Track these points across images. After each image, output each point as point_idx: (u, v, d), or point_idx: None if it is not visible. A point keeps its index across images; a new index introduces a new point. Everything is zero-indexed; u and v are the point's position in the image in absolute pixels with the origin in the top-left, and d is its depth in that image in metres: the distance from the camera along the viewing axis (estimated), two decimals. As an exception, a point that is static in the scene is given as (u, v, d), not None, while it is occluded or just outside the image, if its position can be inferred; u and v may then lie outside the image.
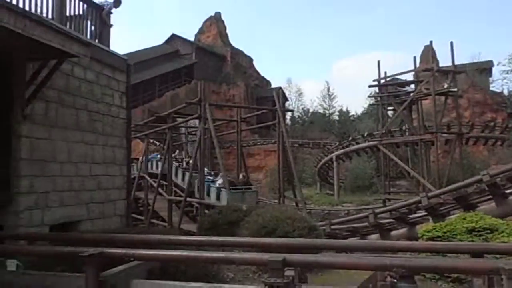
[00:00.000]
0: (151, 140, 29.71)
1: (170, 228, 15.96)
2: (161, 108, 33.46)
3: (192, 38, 56.20)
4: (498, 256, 5.02)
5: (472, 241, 7.76)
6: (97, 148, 8.36)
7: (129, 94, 9.53)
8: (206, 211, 15.66)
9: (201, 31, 58.30)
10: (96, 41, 8.76)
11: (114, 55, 9.11)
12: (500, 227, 8.12)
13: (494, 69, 46.02)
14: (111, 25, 9.29)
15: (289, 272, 4.10)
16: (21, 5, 6.76)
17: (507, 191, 10.45)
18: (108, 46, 9.08)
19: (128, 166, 9.43)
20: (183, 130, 30.50)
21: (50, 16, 7.55)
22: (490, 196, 10.53)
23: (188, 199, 17.82)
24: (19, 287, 4.59)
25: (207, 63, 52.45)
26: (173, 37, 53.74)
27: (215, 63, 54.71)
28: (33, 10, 7.05)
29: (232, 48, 57.96)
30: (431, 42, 29.41)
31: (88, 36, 8.60)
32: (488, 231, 8.07)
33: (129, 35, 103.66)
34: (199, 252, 4.79)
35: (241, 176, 17.02)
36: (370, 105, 44.71)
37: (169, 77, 47.43)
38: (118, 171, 9.04)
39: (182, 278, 5.75)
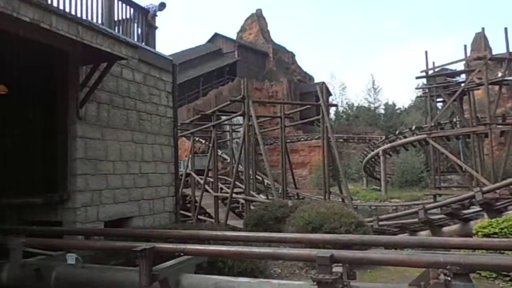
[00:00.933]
0: (197, 138, 30.35)
1: (217, 224, 16.24)
2: (206, 107, 34.02)
3: (234, 37, 56.72)
4: (561, 253, 4.72)
5: (533, 238, 7.34)
6: (146, 146, 8.65)
7: (175, 94, 9.79)
8: (252, 207, 15.78)
9: (242, 29, 58.68)
10: (143, 43, 9.06)
11: (160, 56, 9.38)
12: None
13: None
14: (156, 27, 9.58)
15: (337, 269, 4.06)
16: (73, 11, 7.12)
17: None
18: (154, 47, 9.36)
19: (176, 164, 9.69)
20: (227, 127, 30.91)
21: (99, 21, 7.90)
22: (551, 190, 9.92)
23: (234, 195, 18.05)
24: (79, 280, 4.84)
25: (249, 61, 52.74)
26: (216, 36, 54.46)
27: (257, 60, 54.90)
28: (84, 16, 7.40)
29: (274, 44, 57.88)
30: (483, 29, 28.03)
31: (136, 39, 8.91)
32: (550, 227, 7.61)
33: (173, 35, 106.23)
34: (247, 248, 4.84)
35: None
36: (417, 97, 43.26)
37: (212, 76, 48.14)
38: (166, 168, 9.31)
39: (229, 273, 5.87)
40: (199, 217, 20.20)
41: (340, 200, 18.70)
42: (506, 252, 5.30)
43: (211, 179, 21.58)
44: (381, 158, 33.35)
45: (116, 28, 8.37)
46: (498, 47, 32.01)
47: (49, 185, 7.30)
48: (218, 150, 26.77)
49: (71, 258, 4.85)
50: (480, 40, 32.15)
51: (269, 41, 57.73)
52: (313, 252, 4.11)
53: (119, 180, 7.83)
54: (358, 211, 20.64)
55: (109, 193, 7.60)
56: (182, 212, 18.73)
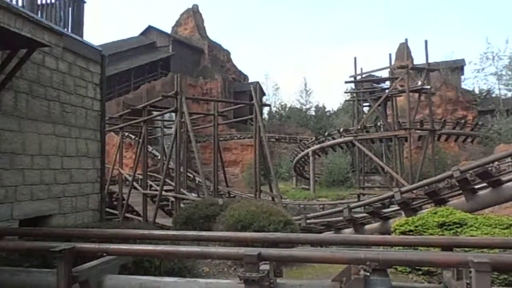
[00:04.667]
0: (126, 134, 29.31)
1: (144, 223, 15.80)
2: (137, 101, 32.92)
3: (169, 31, 55.45)
4: (467, 249, 5.17)
5: (443, 235, 7.97)
6: (70, 140, 8.16)
7: (104, 86, 9.34)
8: (182, 205, 15.56)
9: (178, 24, 57.56)
10: (69, 31, 8.52)
11: (88, 45, 8.89)
12: (469, 221, 8.37)
13: (465, 68, 47.30)
14: (84, 14, 9.06)
15: (264, 266, 4.12)
16: (-11, -9, 6.51)
17: (477, 187, 10.77)
18: (82, 36, 8.85)
19: (102, 160, 9.25)
20: (159, 123, 30.18)
21: (20, 3, 7.30)
22: (460, 191, 10.83)
23: (163, 193, 17.67)
24: (-14, 284, 4.46)
25: (184, 56, 51.89)
26: (149, 29, 52.89)
27: (192, 56, 54.17)
28: (2, -3, 6.79)
29: (210, 41, 57.47)
30: (406, 40, 29.94)
31: (61, 26, 8.35)
32: (458, 225, 8.31)
33: (103, 26, 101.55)
34: (174, 247, 4.75)
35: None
36: (346, 101, 45.25)
37: (145, 70, 46.70)
38: (92, 164, 8.86)
39: (156, 273, 5.72)
40: (126, 215, 19.52)
41: (270, 198, 19.05)
42: (420, 248, 5.71)
43: (140, 176, 20.96)
44: (311, 158, 34.45)
45: (40, 13, 7.78)
46: (419, 58, 34.76)
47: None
48: (149, 146, 26.08)
49: (-23, 261, 4.44)
50: (404, 50, 34.44)
51: (205, 37, 57.21)
52: (241, 250, 4.13)
53: (38, 176, 7.31)
54: (288, 209, 21.17)
55: (25, 190, 7.06)
56: (108, 210, 17.97)
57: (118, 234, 5.72)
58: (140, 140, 20.31)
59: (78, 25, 8.83)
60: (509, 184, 10.58)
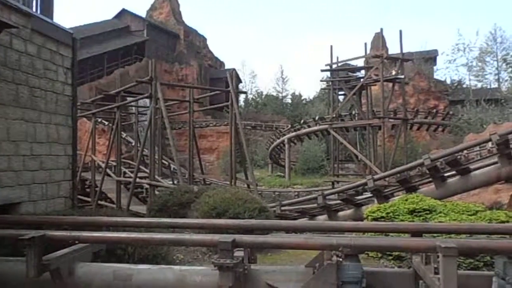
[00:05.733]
0: (99, 120, 28.71)
1: (118, 210, 15.60)
2: (110, 86, 32.22)
3: (143, 15, 54.24)
4: (435, 235, 5.33)
5: (413, 221, 8.19)
6: (40, 126, 7.92)
7: (75, 71, 9.06)
8: (157, 192, 15.44)
9: (153, 8, 56.32)
10: (38, 12, 8.20)
11: (58, 28, 8.59)
12: (438, 208, 8.64)
13: (438, 58, 48.31)
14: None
15: (239, 253, 4.15)
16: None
17: (446, 175, 11.10)
18: (52, 18, 8.54)
19: (74, 146, 9.03)
20: (133, 109, 29.68)
21: (-15, -18, 6.97)
22: (430, 179, 11.13)
23: (138, 180, 17.47)
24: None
25: (159, 41, 50.94)
26: (123, 12, 51.57)
27: (167, 41, 53.24)
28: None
29: (186, 26, 56.56)
30: (381, 29, 30.36)
31: (29, 6, 8.03)
32: (427, 212, 8.56)
33: (75, 8, 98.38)
34: (148, 234, 4.71)
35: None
36: (322, 89, 45.59)
37: (118, 54, 45.64)
38: (63, 150, 8.64)
39: (129, 260, 5.67)
40: (99, 202, 19.24)
41: (245, 186, 19.12)
42: (390, 234, 5.85)
43: (114, 163, 20.64)
44: (286, 146, 34.66)
45: (6, -8, 7.45)
46: (394, 47, 35.33)
47: None
48: (122, 133, 25.65)
49: None
50: (379, 39, 34.85)
51: (181, 22, 56.27)
52: (216, 237, 4.14)
53: (5, 162, 7.07)
54: (263, 196, 21.29)
55: (-7, 176, 6.83)
56: (80, 197, 17.68)
57: (91, 221, 5.63)
58: (114, 127, 19.93)
59: (48, 6, 8.51)
60: (476, 172, 10.95)
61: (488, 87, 46.74)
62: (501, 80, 46.71)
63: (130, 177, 18.99)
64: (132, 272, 4.43)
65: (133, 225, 5.58)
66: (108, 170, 20.11)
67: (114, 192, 18.61)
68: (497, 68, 46.64)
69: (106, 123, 32.02)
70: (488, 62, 47.30)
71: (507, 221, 7.33)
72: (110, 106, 21.11)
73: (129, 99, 22.52)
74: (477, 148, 16.88)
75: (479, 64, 47.39)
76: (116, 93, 19.80)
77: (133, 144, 29.12)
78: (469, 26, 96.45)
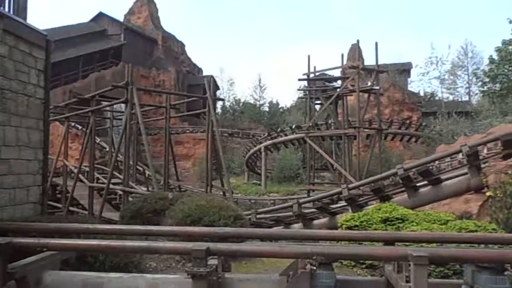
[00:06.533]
0: (72, 124, 28.13)
1: (90, 217, 15.25)
2: (85, 90, 31.52)
3: (121, 19, 53.62)
4: (407, 243, 5.42)
5: (386, 230, 8.31)
6: (9, 129, 7.68)
7: (49, 73, 8.86)
8: (130, 199, 15.18)
9: (131, 12, 55.76)
10: (11, 12, 8.00)
11: (31, 29, 8.39)
12: (410, 217, 8.79)
13: (412, 71, 49.55)
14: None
15: (213, 261, 4.11)
16: None
17: (418, 184, 11.33)
18: (25, 19, 8.34)
19: (45, 150, 8.79)
20: (108, 114, 29.21)
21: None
22: (403, 189, 11.35)
23: (111, 186, 17.14)
24: None
25: (136, 46, 50.38)
26: (100, 16, 50.84)
27: (145, 46, 52.73)
28: None
29: (164, 31, 56.19)
30: (358, 41, 30.78)
31: (3, 7, 7.82)
32: (400, 221, 8.70)
33: (51, 10, 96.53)
34: (120, 241, 4.61)
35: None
36: (299, 98, 46.06)
37: (94, 58, 44.89)
38: (33, 155, 8.40)
39: (100, 268, 5.54)
40: (71, 209, 18.74)
41: (221, 193, 19.03)
42: (364, 242, 5.91)
43: (87, 169, 20.20)
44: (263, 154, 34.74)
45: (-23, -9, 7.25)
46: (370, 59, 36.17)
47: None
48: (96, 138, 25.18)
49: None
50: (355, 50, 35.44)
51: (159, 28, 55.88)
52: (189, 245, 4.09)
53: (-28, 166, 6.83)
54: (238, 204, 21.21)
55: (-42, 180, 6.58)
56: (50, 203, 17.20)
57: (61, 228, 5.48)
58: (88, 131, 19.52)
59: (21, 7, 8.31)
60: (447, 182, 11.23)
61: (459, 100, 48.26)
62: (471, 93, 48.36)
63: (103, 183, 18.60)
64: (102, 280, 4.32)
65: (105, 232, 5.45)
66: (80, 176, 19.64)
67: (86, 198, 18.17)
68: (468, 82, 48.30)
69: (80, 127, 31.38)
70: (460, 76, 48.94)
71: (476, 231, 7.52)
72: (84, 110, 20.69)
73: (104, 103, 22.14)
74: (448, 159, 17.33)
75: (451, 77, 48.94)
76: (91, 97, 19.44)
77: (107, 149, 28.61)
78: (442, 40, 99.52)
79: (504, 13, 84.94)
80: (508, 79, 29.86)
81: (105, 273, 4.68)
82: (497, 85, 31.06)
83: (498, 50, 32.17)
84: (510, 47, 31.82)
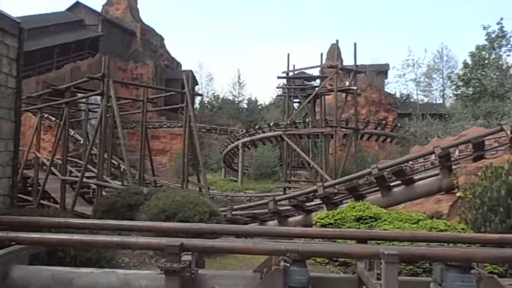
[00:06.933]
0: (46, 115, 27.43)
1: (62, 211, 14.92)
2: (59, 81, 30.87)
3: (99, 9, 52.54)
4: (379, 242, 5.51)
5: (359, 228, 8.43)
6: (-22, 119, 7.43)
7: (21, 62, 8.59)
8: (104, 193, 14.93)
9: (109, 2, 54.70)
10: (-17, -3, 7.72)
11: (3, 16, 8.11)
12: (383, 216, 8.94)
13: (389, 72, 50.38)
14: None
15: (186, 257, 4.08)
16: None
17: (392, 184, 11.56)
18: (-3, 5, 8.06)
19: (16, 141, 8.53)
20: (83, 106, 28.59)
21: None
22: (377, 188, 11.55)
23: (84, 179, 16.82)
24: None
25: (114, 38, 49.47)
26: (77, 5, 49.66)
27: (123, 38, 51.85)
28: None
29: (143, 24, 55.39)
30: (337, 41, 31.06)
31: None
32: (373, 219, 8.84)
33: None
34: (91, 236, 4.53)
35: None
36: (278, 95, 46.20)
37: (70, 48, 43.85)
38: (4, 146, 8.14)
39: (71, 263, 5.42)
40: (42, 202, 18.30)
41: (197, 189, 18.93)
42: (338, 240, 5.99)
43: (60, 161, 19.76)
44: (240, 150, 34.73)
45: None
46: (348, 59, 36.56)
47: None
48: (71, 130, 24.65)
49: None
50: (334, 50, 35.77)
51: (138, 20, 55.05)
52: (163, 240, 4.06)
53: None
54: (215, 200, 21.18)
55: None
56: (21, 196, 16.76)
57: (31, 221, 5.35)
58: (61, 123, 19.08)
59: (-7, -8, 8.03)
60: (420, 183, 11.50)
61: (434, 102, 49.38)
62: (445, 96, 49.57)
63: (76, 176, 18.24)
64: (73, 275, 4.24)
65: (77, 226, 5.35)
66: (53, 169, 19.20)
67: (58, 192, 17.78)
68: (442, 85, 49.46)
69: (53, 119, 30.64)
70: (435, 79, 50.07)
71: (446, 230, 7.72)
72: (58, 102, 20.20)
73: (79, 95, 21.69)
74: (422, 159, 17.75)
75: (427, 80, 50.01)
76: (65, 88, 18.99)
77: (81, 142, 28.05)
78: (419, 43, 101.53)
79: (479, 19, 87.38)
80: (480, 84, 30.79)
81: (76, 268, 4.59)
82: (470, 89, 32.00)
83: (472, 55, 33.14)
84: (483, 52, 32.82)
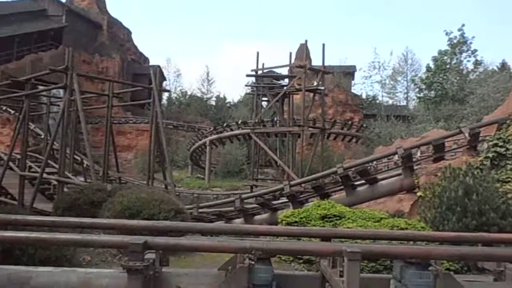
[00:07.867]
0: (4, 108, 26.34)
1: (20, 207, 14.38)
2: (19, 72, 29.55)
3: (63, -1, 50.88)
4: (343, 240, 5.62)
5: (324, 226, 8.58)
6: None
7: (-22, 51, 8.20)
8: (66, 189, 14.50)
9: (75, -7, 53.06)
10: None
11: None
12: (347, 214, 9.14)
13: (356, 74, 51.40)
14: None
15: (150, 255, 4.02)
16: None
17: (356, 183, 11.81)
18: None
19: (-29, 135, 8.15)
20: (44, 99, 27.61)
21: None
22: (342, 187, 11.77)
23: (45, 175, 16.25)
24: None
25: (79, 29, 47.94)
26: (41, -5, 47.89)
27: (88, 30, 50.34)
28: None
29: (110, 17, 53.97)
30: (306, 41, 31.40)
31: None
32: (338, 218, 9.02)
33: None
34: (50, 234, 4.37)
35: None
36: (246, 93, 46.27)
37: (32, 39, 42.14)
38: (-43, 139, 7.75)
39: (29, 262, 5.24)
40: (-1, 198, 17.57)
41: (163, 186, 18.69)
42: (302, 238, 6.07)
43: (18, 156, 19.02)
44: (208, 148, 34.54)
45: None
46: (317, 60, 37.07)
47: None
48: (31, 124, 23.77)
49: None
50: (303, 50, 36.10)
51: (105, 12, 53.61)
52: (126, 238, 3.98)
53: None
54: (181, 198, 20.97)
55: None
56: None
57: (-15, 219, 5.10)
58: (21, 116, 18.35)
59: None
60: (383, 182, 11.81)
61: (398, 104, 50.79)
62: (409, 98, 51.06)
63: (36, 172, 17.60)
64: (30, 275, 4.09)
65: (36, 224, 5.16)
66: (11, 163, 18.45)
67: (16, 188, 17.10)
68: (406, 88, 50.91)
69: (13, 112, 29.43)
70: (399, 82, 51.46)
71: (407, 228, 7.97)
72: (18, 94, 19.41)
73: (40, 87, 20.92)
74: (385, 160, 18.23)
75: (391, 82, 51.35)
76: (26, 80, 18.26)
77: (42, 136, 27.07)
78: (385, 46, 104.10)
79: (443, 24, 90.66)
80: (442, 87, 31.97)
81: (33, 267, 4.43)
82: (432, 92, 33.18)
83: (435, 59, 34.36)
84: (445, 57, 34.09)
